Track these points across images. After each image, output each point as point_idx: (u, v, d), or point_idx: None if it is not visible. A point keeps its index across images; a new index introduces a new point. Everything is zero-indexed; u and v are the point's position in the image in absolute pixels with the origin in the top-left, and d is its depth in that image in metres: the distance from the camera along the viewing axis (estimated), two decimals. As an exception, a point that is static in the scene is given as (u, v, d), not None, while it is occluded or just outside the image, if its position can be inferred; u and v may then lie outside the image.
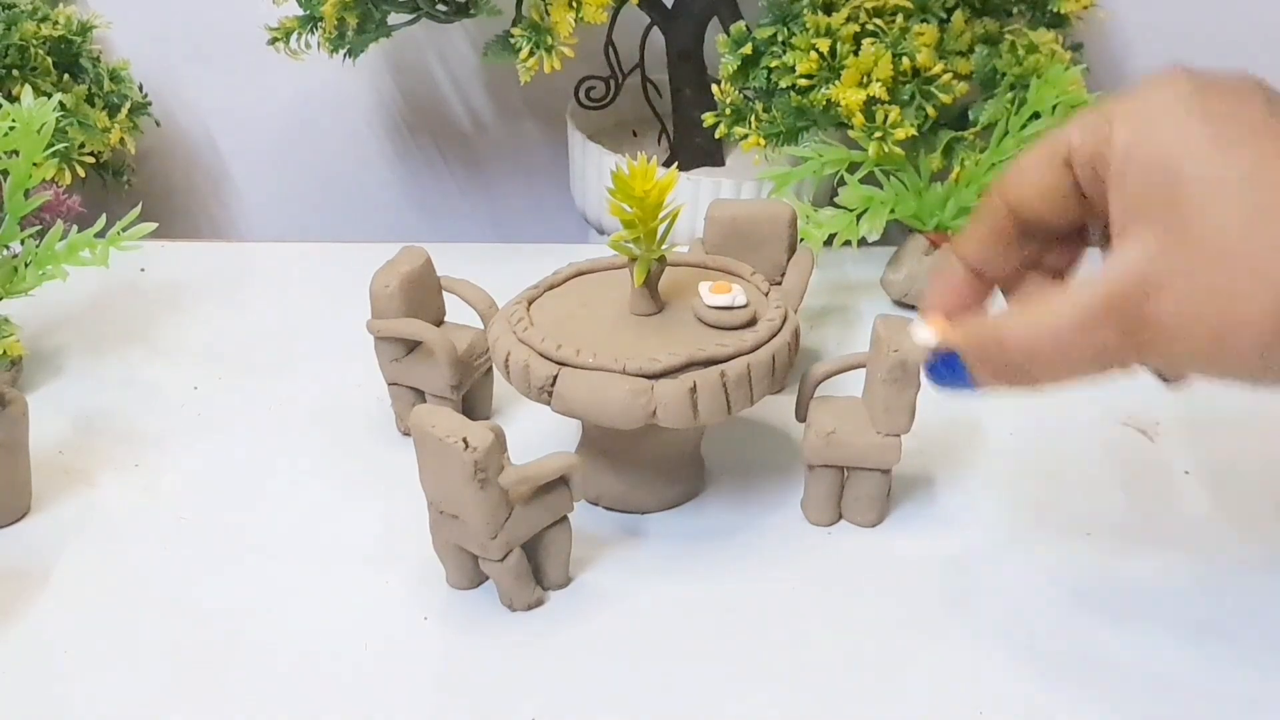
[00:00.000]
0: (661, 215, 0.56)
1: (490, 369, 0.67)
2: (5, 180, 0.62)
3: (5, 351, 0.66)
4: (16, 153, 0.60)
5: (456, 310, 0.67)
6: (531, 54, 0.75)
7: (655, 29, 0.86)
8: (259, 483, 0.65)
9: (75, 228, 0.63)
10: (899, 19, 0.75)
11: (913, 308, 0.77)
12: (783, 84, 0.76)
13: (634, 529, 0.61)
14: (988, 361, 0.45)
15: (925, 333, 0.49)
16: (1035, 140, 0.47)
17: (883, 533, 0.61)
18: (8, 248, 0.63)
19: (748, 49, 0.77)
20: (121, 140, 0.85)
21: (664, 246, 0.57)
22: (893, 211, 0.77)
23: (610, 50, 0.87)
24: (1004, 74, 0.76)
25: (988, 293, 0.49)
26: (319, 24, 0.80)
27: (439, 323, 0.67)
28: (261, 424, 0.69)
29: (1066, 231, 0.47)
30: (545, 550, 0.56)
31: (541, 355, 0.56)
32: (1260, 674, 0.53)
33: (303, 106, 0.99)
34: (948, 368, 0.47)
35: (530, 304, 0.60)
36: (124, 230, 0.62)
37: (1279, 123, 0.40)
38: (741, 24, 0.78)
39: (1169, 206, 0.40)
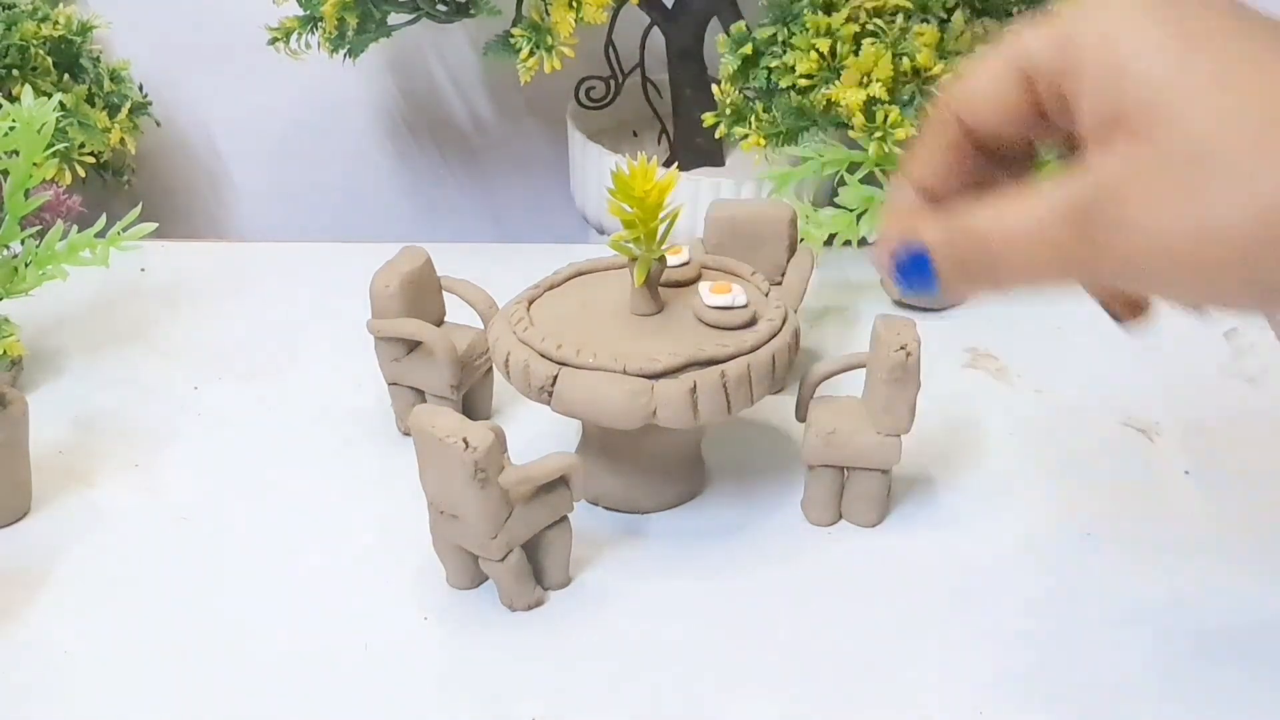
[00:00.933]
0: (661, 215, 0.56)
1: (490, 369, 0.67)
2: (5, 180, 0.62)
3: (5, 351, 0.66)
4: (16, 153, 0.60)
5: (456, 310, 0.67)
6: (531, 54, 0.75)
7: (655, 29, 0.86)
8: (259, 483, 0.65)
9: (75, 228, 0.63)
10: (899, 19, 0.75)
11: (913, 308, 0.77)
12: (783, 84, 0.76)
13: (634, 529, 0.61)
14: (959, 259, 0.43)
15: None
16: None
17: (883, 533, 0.61)
18: (8, 248, 0.63)
19: (748, 49, 0.77)
20: (121, 140, 0.85)
21: (664, 246, 0.57)
22: (893, 211, 0.77)
23: (610, 50, 0.87)
24: (1004, 74, 0.76)
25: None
26: (319, 24, 0.80)
27: (439, 323, 0.67)
28: (261, 424, 0.69)
29: (1015, 149, 0.45)
30: (545, 550, 0.56)
31: (541, 355, 0.56)
32: (1261, 673, 0.53)
33: (303, 106, 0.99)
34: (915, 267, 0.45)
35: (530, 304, 0.60)
36: (124, 230, 0.62)
37: (1244, 23, 0.39)
38: (742, 24, 0.78)
39: (1137, 113, 0.39)
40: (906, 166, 0.46)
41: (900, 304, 0.78)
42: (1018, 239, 0.41)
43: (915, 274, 0.45)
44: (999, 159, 0.45)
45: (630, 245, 0.57)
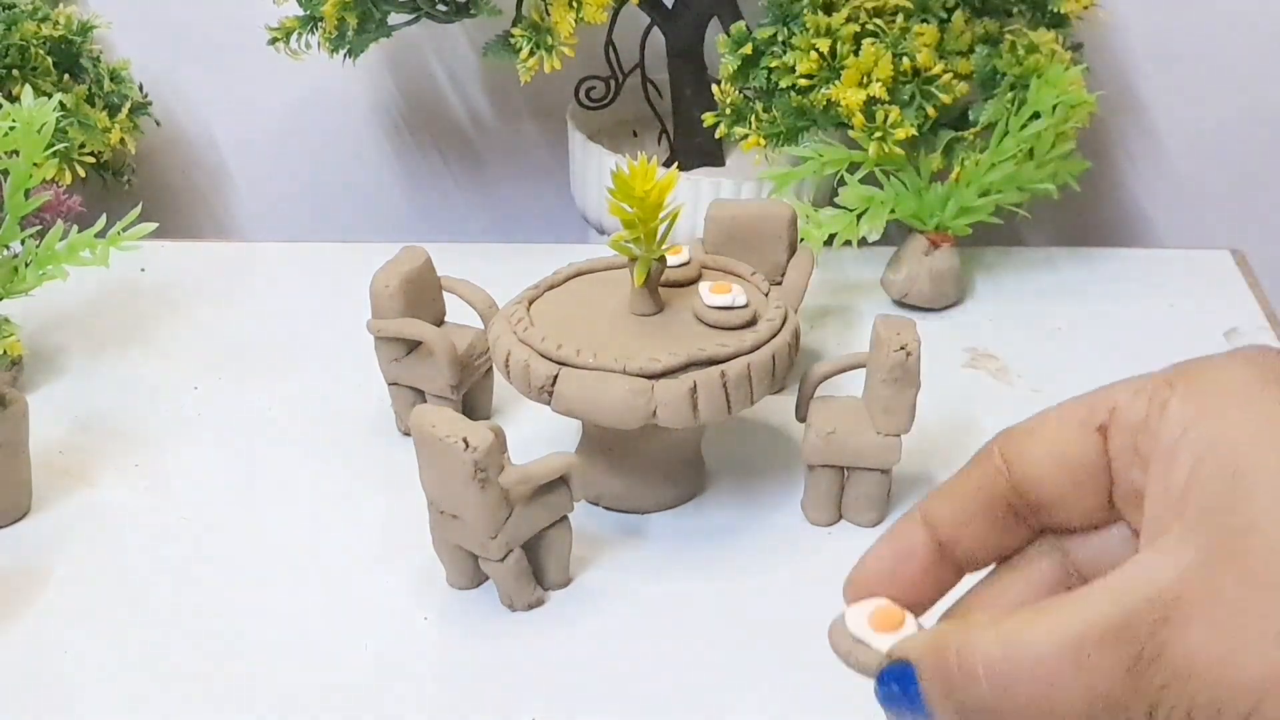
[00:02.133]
0: (661, 215, 0.56)
1: (490, 369, 0.67)
2: (5, 180, 0.62)
3: (5, 351, 0.66)
4: (17, 153, 0.60)
5: (456, 310, 0.67)
6: (532, 54, 0.75)
7: (655, 29, 0.86)
8: (259, 483, 0.65)
9: (75, 228, 0.63)
10: (899, 19, 0.75)
11: (913, 307, 0.77)
12: (783, 84, 0.76)
13: (634, 529, 0.61)
14: (950, 689, 0.32)
15: (859, 620, 0.35)
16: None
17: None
18: (8, 247, 0.63)
19: (748, 49, 0.77)
20: (122, 140, 0.85)
21: (664, 246, 0.57)
22: (893, 211, 0.77)
23: (610, 50, 0.87)
24: (1004, 74, 0.76)
25: (951, 582, 0.36)
26: (319, 24, 0.80)
27: (439, 323, 0.67)
28: (261, 424, 0.69)
29: (1077, 524, 0.35)
30: (545, 550, 0.56)
31: (541, 355, 0.56)
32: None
33: (303, 106, 0.99)
34: (898, 681, 0.34)
35: (530, 304, 0.60)
36: (124, 230, 0.62)
37: None
38: (742, 24, 0.78)
39: (1226, 510, 0.29)
40: (931, 506, 0.36)
41: (900, 304, 0.78)
42: (1038, 670, 0.30)
43: (897, 691, 0.34)
44: (1040, 535, 0.36)
45: (630, 245, 0.57)
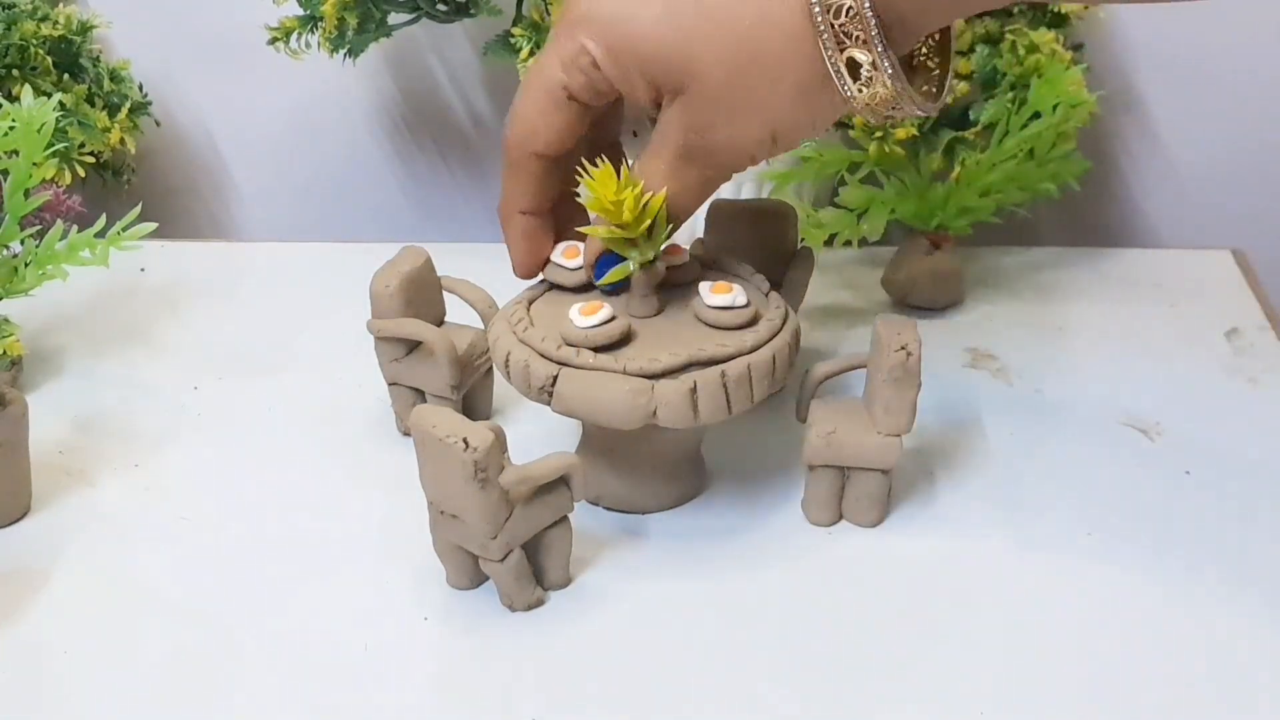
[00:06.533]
0: (649, 218, 0.56)
1: (490, 369, 0.67)
2: (5, 180, 0.62)
3: (5, 351, 0.66)
4: (16, 152, 0.60)
5: (457, 310, 0.67)
6: (531, 53, 0.75)
7: (655, 29, 0.85)
8: (259, 483, 0.65)
9: (75, 228, 0.63)
10: (899, 19, 0.75)
11: (914, 308, 0.77)
12: (783, 84, 0.76)
13: (634, 529, 0.61)
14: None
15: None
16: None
17: (883, 533, 0.61)
18: (8, 247, 0.63)
19: (748, 49, 0.77)
20: (121, 140, 0.85)
21: (660, 248, 0.57)
22: (893, 211, 0.77)
23: (610, 50, 0.87)
24: (1004, 74, 0.76)
25: (553, 231, 0.60)
26: (319, 24, 0.80)
27: (439, 323, 0.67)
28: (261, 424, 0.69)
29: (597, 140, 0.58)
30: (545, 550, 0.56)
31: (541, 355, 0.56)
32: (1261, 672, 0.53)
33: (303, 106, 0.99)
34: (607, 264, 0.58)
35: (530, 304, 0.60)
36: (124, 230, 0.62)
37: None
38: (742, 24, 0.78)
39: (670, 65, 0.51)
40: (518, 207, 0.59)
41: (901, 304, 0.78)
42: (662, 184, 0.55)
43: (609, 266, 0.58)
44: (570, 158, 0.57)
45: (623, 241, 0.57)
